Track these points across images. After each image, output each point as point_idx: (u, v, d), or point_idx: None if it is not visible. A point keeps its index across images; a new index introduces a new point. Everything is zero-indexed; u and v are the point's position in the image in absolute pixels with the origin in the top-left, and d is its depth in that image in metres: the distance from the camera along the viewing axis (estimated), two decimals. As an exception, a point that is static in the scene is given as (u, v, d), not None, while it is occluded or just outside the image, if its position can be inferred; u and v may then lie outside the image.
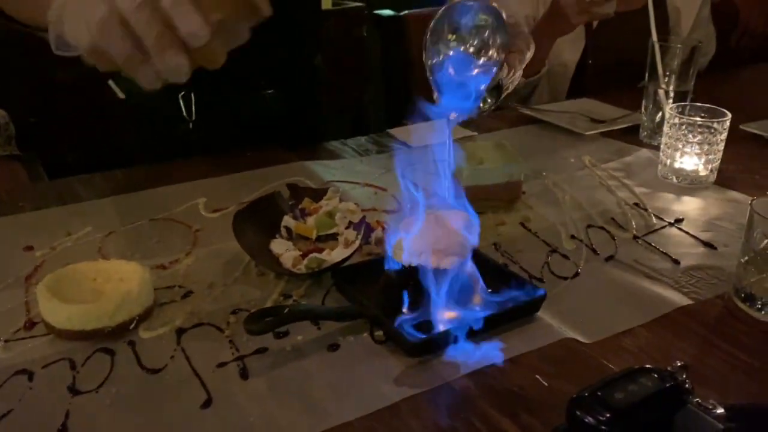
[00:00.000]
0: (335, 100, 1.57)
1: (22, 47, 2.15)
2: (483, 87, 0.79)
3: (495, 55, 0.79)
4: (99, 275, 0.76)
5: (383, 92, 1.94)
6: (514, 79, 0.87)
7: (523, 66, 0.88)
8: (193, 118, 1.19)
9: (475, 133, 1.32)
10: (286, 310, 0.69)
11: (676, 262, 0.88)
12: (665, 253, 0.90)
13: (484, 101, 0.84)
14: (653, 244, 0.93)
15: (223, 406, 0.62)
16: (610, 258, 0.89)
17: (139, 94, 1.15)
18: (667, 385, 0.56)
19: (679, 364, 0.58)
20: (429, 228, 0.71)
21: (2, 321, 0.74)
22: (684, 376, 0.57)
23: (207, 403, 0.62)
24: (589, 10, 1.42)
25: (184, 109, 1.18)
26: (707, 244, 0.93)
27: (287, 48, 1.24)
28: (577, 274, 0.86)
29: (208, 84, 1.13)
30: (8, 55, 2.15)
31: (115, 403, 0.63)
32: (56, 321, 0.71)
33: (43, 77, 2.08)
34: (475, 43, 0.78)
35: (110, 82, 1.23)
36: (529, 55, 0.89)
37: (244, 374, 0.66)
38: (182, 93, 1.18)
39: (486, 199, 1.00)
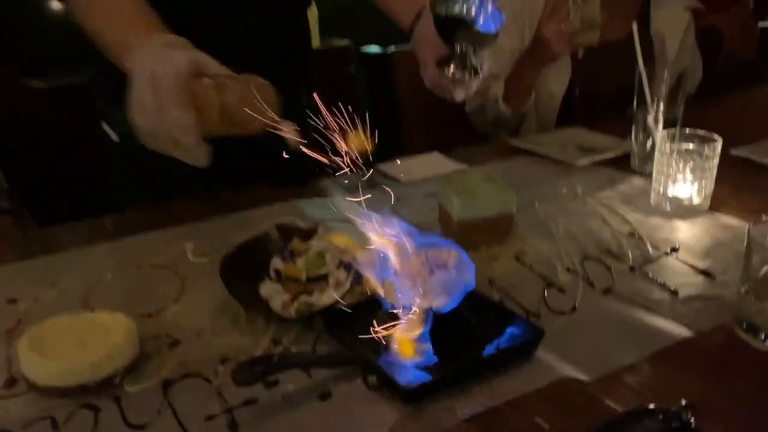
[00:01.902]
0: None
1: (5, 94, 2.15)
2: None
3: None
4: (82, 328, 0.74)
5: (371, 128, 1.94)
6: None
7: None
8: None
9: (466, 166, 1.31)
10: (275, 359, 0.66)
11: (675, 292, 0.87)
12: (663, 284, 0.89)
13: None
14: (650, 275, 0.91)
15: (211, 462, 0.60)
16: (607, 291, 0.88)
17: (133, 136, 1.17)
18: (673, 425, 0.54)
19: (683, 403, 0.56)
20: (418, 267, 0.69)
21: (-18, 379, 0.71)
22: (689, 415, 0.55)
23: (194, 460, 0.60)
24: (571, 40, 1.43)
25: None
26: (705, 273, 0.91)
27: (280, 87, 1.24)
28: (574, 309, 0.84)
29: None
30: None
31: (99, 463, 0.60)
32: (38, 378, 0.69)
33: (26, 125, 2.07)
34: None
35: (104, 125, 1.22)
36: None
37: (233, 427, 0.64)
38: None
39: (479, 232, 0.98)
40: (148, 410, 0.66)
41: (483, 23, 0.84)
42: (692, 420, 0.54)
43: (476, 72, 0.91)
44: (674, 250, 0.98)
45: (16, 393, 0.69)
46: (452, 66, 0.90)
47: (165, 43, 0.85)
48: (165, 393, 0.69)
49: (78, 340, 0.72)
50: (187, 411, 0.66)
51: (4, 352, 0.76)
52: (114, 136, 1.22)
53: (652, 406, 0.55)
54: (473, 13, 0.84)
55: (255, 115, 0.77)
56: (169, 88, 0.77)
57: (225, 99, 0.80)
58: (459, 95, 0.98)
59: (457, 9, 0.84)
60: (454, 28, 0.85)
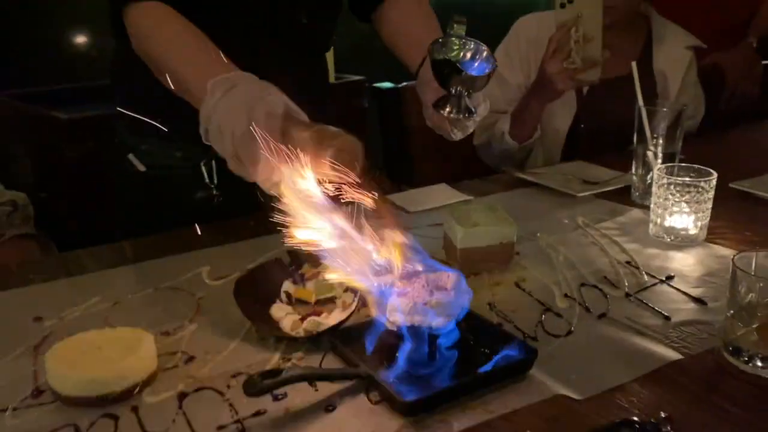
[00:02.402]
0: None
1: (30, 126, 2.24)
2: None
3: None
4: (105, 343, 0.79)
5: (382, 159, 2.00)
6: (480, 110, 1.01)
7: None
8: (215, 182, 1.24)
9: (472, 197, 1.36)
10: (284, 373, 0.71)
11: (667, 318, 0.90)
12: (656, 310, 0.92)
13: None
14: (645, 301, 0.95)
15: (222, 467, 0.64)
16: (602, 315, 0.92)
17: (160, 166, 1.26)
18: (651, 436, 0.57)
19: (663, 415, 0.60)
20: (420, 289, 0.74)
21: (11, 389, 0.76)
22: (668, 428, 0.59)
23: (207, 465, 0.64)
24: (574, 77, 1.48)
25: (206, 176, 1.23)
26: (697, 300, 0.95)
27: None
28: (570, 332, 0.88)
29: None
30: (16, 133, 2.24)
31: (118, 466, 0.65)
32: (63, 388, 0.73)
33: (52, 154, 2.16)
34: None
35: (130, 156, 1.29)
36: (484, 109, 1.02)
37: (243, 436, 0.68)
38: (204, 161, 1.24)
39: (481, 260, 1.03)
40: (164, 420, 0.71)
41: (476, 67, 0.90)
42: (669, 430, 0.58)
43: (471, 113, 0.96)
44: (669, 278, 1.02)
45: (42, 402, 0.74)
46: (448, 108, 0.96)
47: (259, 82, 0.88)
48: (180, 404, 0.73)
49: (101, 354, 0.77)
50: (201, 421, 0.70)
51: (31, 365, 0.81)
52: (140, 167, 1.28)
53: (634, 418, 0.59)
54: (466, 57, 0.90)
55: (342, 170, 0.76)
56: (266, 127, 0.80)
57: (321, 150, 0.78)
58: (456, 135, 1.04)
59: (450, 54, 0.90)
60: (448, 72, 0.91)
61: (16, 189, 1.37)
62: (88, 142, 2.02)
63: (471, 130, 1.04)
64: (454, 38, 0.91)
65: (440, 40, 0.92)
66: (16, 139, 2.23)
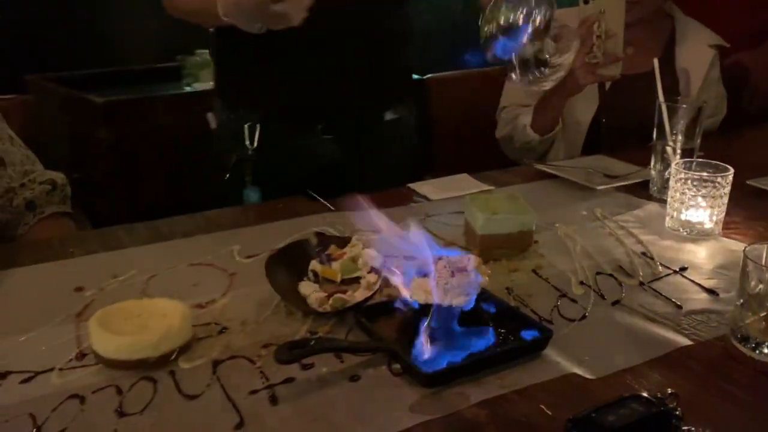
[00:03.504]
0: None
1: (67, 108, 2.31)
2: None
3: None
4: (143, 312, 0.84)
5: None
6: (562, 62, 1.01)
7: (571, 53, 1.03)
8: (254, 146, 1.39)
9: (493, 188, 1.39)
10: (312, 343, 0.76)
11: (679, 306, 0.94)
12: (669, 299, 0.96)
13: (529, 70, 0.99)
14: (658, 291, 0.98)
15: (253, 428, 0.69)
16: (616, 302, 0.95)
17: (226, 123, 1.47)
18: (657, 410, 0.61)
19: (669, 391, 0.64)
20: (442, 270, 0.78)
21: (57, 352, 0.81)
22: (674, 404, 0.63)
23: (239, 425, 0.69)
24: (595, 72, 1.51)
25: (248, 137, 1.38)
26: (710, 291, 0.98)
27: (366, 105, 1.46)
28: (584, 317, 0.91)
29: (274, 119, 1.40)
30: (54, 116, 2.31)
31: (157, 424, 0.70)
32: (105, 352, 0.79)
33: (87, 136, 2.22)
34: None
35: (208, 115, 1.50)
36: (575, 45, 1.03)
37: (273, 401, 0.73)
38: (248, 124, 1.39)
39: (500, 247, 1.07)
40: (199, 384, 0.76)
41: (526, 27, 0.93)
42: (677, 407, 0.61)
43: (543, 65, 0.98)
44: (683, 269, 1.05)
45: (86, 364, 0.79)
46: (513, 74, 0.98)
47: None
48: (214, 370, 0.78)
49: (140, 321, 0.82)
50: (234, 386, 0.75)
51: (75, 330, 0.86)
52: (213, 124, 1.50)
53: (639, 393, 0.63)
54: (518, 20, 0.93)
55: None
56: None
57: None
58: (542, 86, 1.04)
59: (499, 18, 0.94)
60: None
61: (53, 169, 1.42)
62: (122, 124, 2.08)
63: (553, 81, 1.05)
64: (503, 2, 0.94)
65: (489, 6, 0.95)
66: (54, 121, 2.29)
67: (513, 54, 0.96)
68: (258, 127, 1.39)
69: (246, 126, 1.39)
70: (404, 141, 1.58)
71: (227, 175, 1.42)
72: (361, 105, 1.45)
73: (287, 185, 1.34)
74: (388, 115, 1.53)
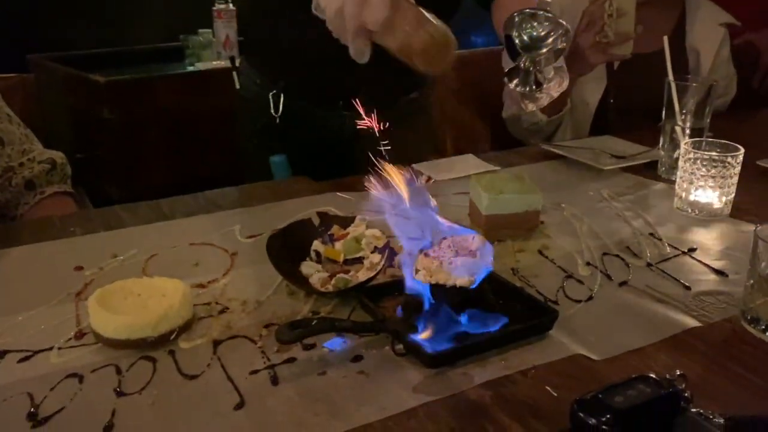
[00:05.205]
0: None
1: (69, 88, 2.30)
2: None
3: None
4: (143, 291, 0.83)
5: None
6: (549, 93, 1.03)
7: (559, 90, 1.03)
8: (279, 113, 1.44)
9: (498, 168, 1.38)
10: (314, 323, 0.74)
11: (687, 287, 0.92)
12: (677, 280, 0.94)
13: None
14: (666, 271, 0.96)
15: (254, 408, 0.68)
16: (623, 283, 0.94)
17: (246, 88, 1.52)
18: (665, 391, 0.60)
19: (678, 373, 0.62)
20: (446, 250, 0.77)
21: (56, 331, 0.81)
22: (683, 385, 0.61)
23: (240, 405, 0.68)
24: (606, 51, 1.49)
25: (272, 106, 1.44)
26: (719, 272, 0.97)
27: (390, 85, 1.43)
28: (590, 298, 0.90)
29: (293, 94, 1.44)
30: (56, 95, 2.30)
31: (157, 403, 0.69)
32: (104, 331, 0.78)
33: (89, 116, 2.21)
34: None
35: (234, 74, 1.56)
36: (565, 85, 1.04)
37: (274, 381, 0.72)
38: (273, 92, 1.44)
39: (506, 227, 1.05)
40: (200, 364, 0.75)
41: (545, 45, 0.94)
42: (685, 389, 0.60)
43: (539, 85, 0.98)
44: (691, 250, 1.03)
45: (85, 343, 0.78)
46: (515, 81, 0.98)
47: None
48: (215, 350, 0.77)
49: (140, 300, 0.81)
50: (234, 366, 0.74)
51: (74, 310, 0.86)
52: (237, 84, 1.54)
53: (647, 375, 0.61)
54: (540, 35, 0.93)
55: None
56: None
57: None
58: (527, 106, 1.06)
59: (523, 30, 0.94)
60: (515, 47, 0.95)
61: (55, 149, 1.41)
62: (125, 104, 2.07)
63: (543, 103, 1.05)
64: (529, 14, 0.94)
65: (516, 15, 0.95)
66: (57, 101, 2.28)
67: (521, 62, 0.97)
68: (282, 96, 1.43)
69: (270, 95, 1.44)
70: (423, 118, 1.58)
71: (255, 141, 1.48)
72: (386, 87, 1.42)
73: (312, 154, 1.40)
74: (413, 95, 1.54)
